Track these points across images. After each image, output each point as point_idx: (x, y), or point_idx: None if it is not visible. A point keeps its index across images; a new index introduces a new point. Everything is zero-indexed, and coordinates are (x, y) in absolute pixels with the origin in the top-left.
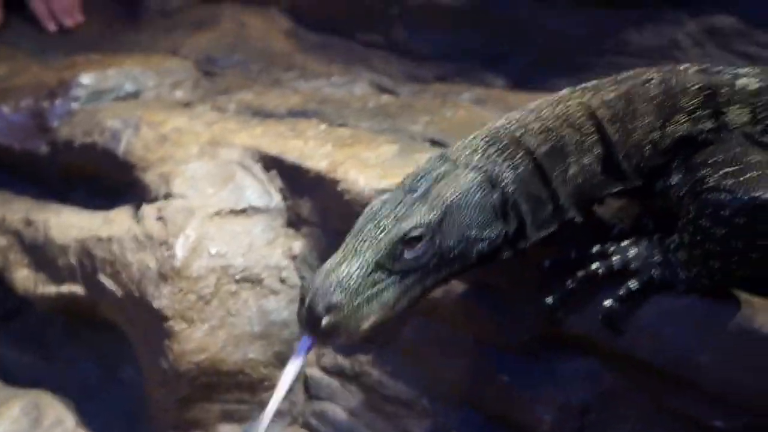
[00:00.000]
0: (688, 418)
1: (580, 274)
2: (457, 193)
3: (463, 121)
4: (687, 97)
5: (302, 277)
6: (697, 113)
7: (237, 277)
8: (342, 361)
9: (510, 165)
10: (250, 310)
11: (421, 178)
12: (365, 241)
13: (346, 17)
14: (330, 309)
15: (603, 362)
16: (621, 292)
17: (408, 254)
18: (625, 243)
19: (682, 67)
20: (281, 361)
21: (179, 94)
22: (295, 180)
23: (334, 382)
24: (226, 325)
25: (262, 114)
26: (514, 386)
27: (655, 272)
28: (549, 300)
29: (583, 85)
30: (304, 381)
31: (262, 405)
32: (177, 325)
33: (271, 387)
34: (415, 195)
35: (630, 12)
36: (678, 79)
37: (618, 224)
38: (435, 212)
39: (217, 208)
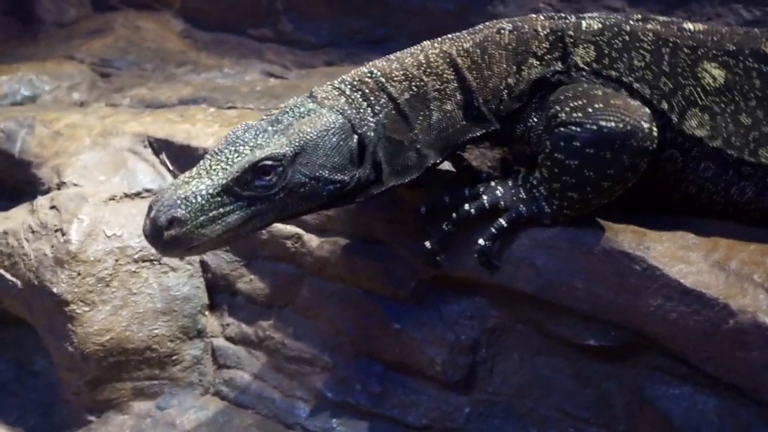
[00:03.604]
0: (565, 341)
1: (455, 216)
2: (316, 132)
3: None
4: (537, 41)
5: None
6: (548, 56)
7: (135, 256)
8: (246, 329)
9: (372, 111)
10: (151, 288)
11: (287, 112)
12: (220, 162)
13: (237, 15)
14: (172, 223)
15: (487, 300)
16: (492, 230)
17: (258, 182)
18: (493, 183)
19: (532, 17)
20: (187, 334)
21: (76, 95)
22: (184, 160)
23: (240, 350)
24: (129, 304)
25: (154, 105)
26: (406, 332)
27: (522, 207)
28: (428, 244)
29: (443, 37)
30: (212, 352)
31: (173, 380)
32: (78, 309)
33: (180, 361)
34: (278, 127)
35: None
36: (528, 26)
37: (487, 171)
38: (291, 147)
39: (110, 193)
